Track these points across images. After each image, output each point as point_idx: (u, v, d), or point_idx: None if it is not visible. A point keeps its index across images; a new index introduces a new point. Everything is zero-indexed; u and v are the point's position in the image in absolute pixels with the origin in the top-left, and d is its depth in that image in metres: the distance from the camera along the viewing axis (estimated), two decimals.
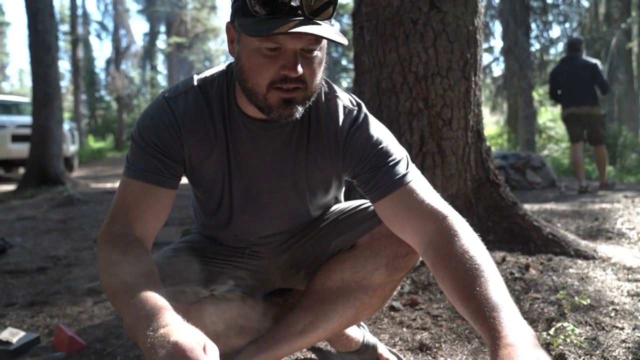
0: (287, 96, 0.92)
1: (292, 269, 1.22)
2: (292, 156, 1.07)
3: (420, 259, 1.10)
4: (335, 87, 1.12)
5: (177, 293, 1.01)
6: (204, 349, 0.73)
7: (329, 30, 0.87)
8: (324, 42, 0.94)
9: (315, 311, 1.10)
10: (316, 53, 0.93)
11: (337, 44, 0.88)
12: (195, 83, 1.07)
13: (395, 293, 1.16)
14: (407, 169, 1.04)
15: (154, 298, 0.81)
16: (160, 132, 1.01)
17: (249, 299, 1.17)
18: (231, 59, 1.03)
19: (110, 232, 0.97)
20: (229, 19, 0.97)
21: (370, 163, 1.04)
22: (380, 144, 1.05)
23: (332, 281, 1.10)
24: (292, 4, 0.86)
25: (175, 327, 0.74)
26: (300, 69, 0.89)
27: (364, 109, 1.10)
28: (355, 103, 1.10)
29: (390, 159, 1.03)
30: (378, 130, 1.08)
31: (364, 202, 1.17)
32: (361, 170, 1.05)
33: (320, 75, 0.97)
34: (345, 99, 1.10)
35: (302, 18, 0.86)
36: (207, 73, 1.09)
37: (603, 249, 2.36)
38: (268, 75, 0.91)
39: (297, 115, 0.95)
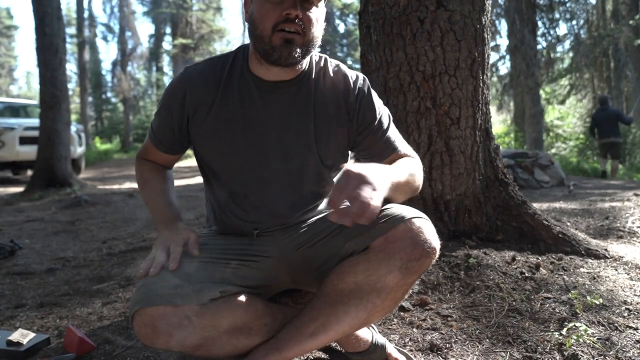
0: (288, 37, 1.09)
1: (303, 269, 1.22)
2: (298, 110, 1.21)
3: (433, 262, 1.10)
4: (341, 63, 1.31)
5: (188, 295, 1.00)
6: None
7: None
8: (321, 4, 1.15)
9: (327, 313, 1.09)
10: (314, 9, 1.12)
11: None
12: (213, 57, 1.30)
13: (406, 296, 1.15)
14: (395, 134, 1.29)
15: (159, 209, 1.26)
16: (170, 97, 1.24)
17: (259, 300, 1.16)
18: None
19: (140, 157, 1.40)
20: None
21: (376, 128, 1.25)
22: (382, 111, 1.28)
23: (345, 284, 1.09)
24: None
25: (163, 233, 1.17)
26: (299, 10, 1.08)
27: (367, 79, 1.30)
28: (359, 74, 1.30)
29: (390, 126, 1.28)
30: (378, 98, 1.30)
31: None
32: (367, 132, 1.25)
33: (317, 30, 1.14)
34: (350, 71, 1.29)
35: None
36: (225, 53, 1.30)
37: (614, 248, 2.33)
38: (273, 17, 1.09)
39: (297, 57, 1.12)
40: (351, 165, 0.98)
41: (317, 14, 1.13)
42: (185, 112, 1.23)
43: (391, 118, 1.31)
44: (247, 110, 1.20)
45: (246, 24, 1.19)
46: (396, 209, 1.12)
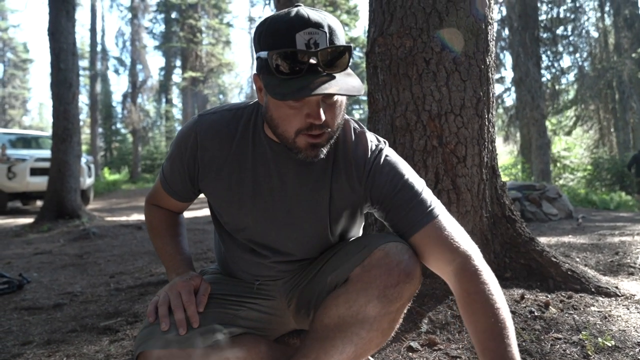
0: (313, 141, 1.01)
1: (302, 310, 1.22)
2: (313, 181, 1.14)
3: (418, 289, 1.08)
4: (364, 127, 1.20)
5: (193, 337, 1.01)
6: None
7: (346, 82, 0.94)
8: None
9: (317, 349, 1.07)
10: (336, 98, 1.01)
11: (352, 96, 0.94)
12: (228, 107, 1.21)
13: (397, 326, 1.11)
14: (431, 200, 1.10)
15: (169, 255, 1.25)
16: (182, 144, 1.18)
17: (263, 340, 1.17)
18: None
19: (150, 203, 1.36)
20: (255, 72, 1.06)
21: (399, 197, 1.10)
22: (407, 178, 1.12)
23: (330, 318, 1.07)
24: (311, 61, 0.93)
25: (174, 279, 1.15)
26: (323, 116, 0.97)
27: (388, 146, 1.20)
28: (381, 140, 1.20)
29: (418, 192, 1.10)
30: (403, 165, 1.16)
31: (355, 235, 1.20)
32: (390, 203, 1.11)
33: (341, 116, 1.05)
34: (372, 137, 1.19)
35: (322, 74, 0.94)
36: (242, 103, 1.22)
37: (625, 285, 2.31)
38: (295, 124, 0.99)
39: (322, 155, 1.03)
40: None
41: (340, 101, 1.03)
42: (196, 162, 1.17)
43: (424, 186, 1.13)
44: (259, 174, 1.14)
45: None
46: (373, 236, 1.11)
